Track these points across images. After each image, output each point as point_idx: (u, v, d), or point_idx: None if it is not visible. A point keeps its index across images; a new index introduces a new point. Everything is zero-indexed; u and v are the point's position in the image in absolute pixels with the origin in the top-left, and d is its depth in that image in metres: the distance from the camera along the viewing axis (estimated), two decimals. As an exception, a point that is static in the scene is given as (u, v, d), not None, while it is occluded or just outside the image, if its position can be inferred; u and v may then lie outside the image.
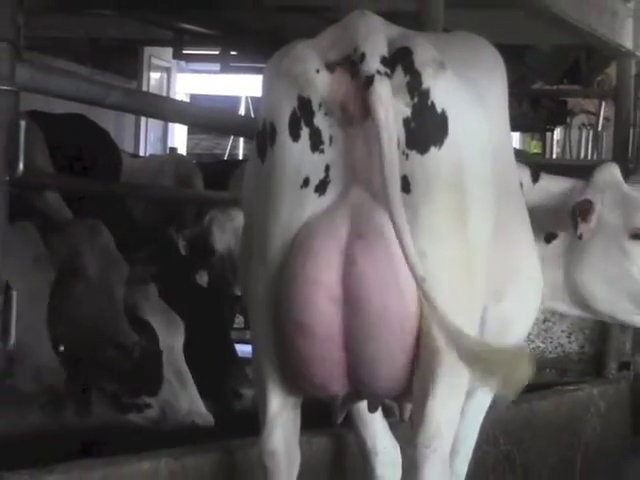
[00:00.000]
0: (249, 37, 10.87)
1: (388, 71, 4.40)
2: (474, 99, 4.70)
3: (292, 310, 4.49)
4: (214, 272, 7.59)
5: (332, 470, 5.67)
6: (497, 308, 4.96)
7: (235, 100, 16.67)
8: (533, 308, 5.42)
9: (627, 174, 9.87)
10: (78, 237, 6.25)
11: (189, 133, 17.06)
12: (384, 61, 4.41)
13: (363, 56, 4.40)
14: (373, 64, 4.39)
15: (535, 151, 15.17)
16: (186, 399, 6.20)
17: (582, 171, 10.30)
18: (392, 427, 5.31)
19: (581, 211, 6.20)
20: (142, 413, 6.12)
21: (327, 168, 4.49)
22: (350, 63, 4.44)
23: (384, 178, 4.32)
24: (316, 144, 4.49)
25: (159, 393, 6.14)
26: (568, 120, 15.95)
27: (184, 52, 13.27)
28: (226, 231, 7.47)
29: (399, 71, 4.46)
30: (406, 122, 4.46)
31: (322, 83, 4.49)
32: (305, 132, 4.49)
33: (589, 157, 15.90)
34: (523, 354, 4.36)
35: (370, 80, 4.36)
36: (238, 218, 7.28)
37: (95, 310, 6.14)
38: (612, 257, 6.30)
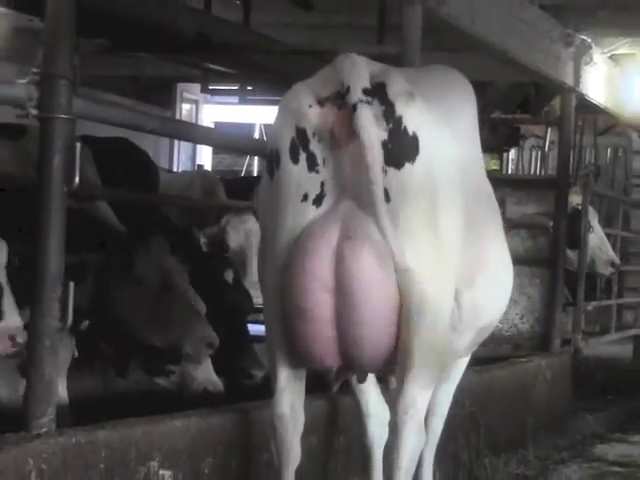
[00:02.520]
0: (262, 75, 10.87)
1: (370, 99, 4.41)
2: (444, 122, 4.69)
3: (294, 297, 4.52)
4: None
5: (328, 427, 5.63)
6: (470, 294, 4.90)
7: (251, 126, 16.64)
8: (504, 297, 5.36)
9: (568, 186, 9.99)
10: (162, 251, 6.26)
11: (214, 153, 16.95)
12: (366, 91, 4.41)
13: (348, 89, 4.41)
14: (356, 94, 4.39)
15: (494, 168, 15.14)
16: (201, 370, 6.20)
17: (532, 184, 10.46)
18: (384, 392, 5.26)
19: None
20: (168, 378, 6.14)
21: (322, 184, 4.51)
22: (337, 97, 4.46)
23: (370, 188, 4.34)
24: (312, 165, 4.52)
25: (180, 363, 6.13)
26: (521, 143, 15.98)
27: (210, 87, 13.25)
28: (239, 232, 7.41)
29: (376, 102, 4.45)
30: (384, 144, 4.44)
31: (314, 116, 4.51)
32: (303, 156, 4.52)
33: (537, 173, 15.93)
34: None
35: (355, 107, 4.37)
36: (249, 221, 7.24)
37: (177, 311, 6.14)
38: None
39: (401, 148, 4.49)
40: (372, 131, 4.38)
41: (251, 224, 7.20)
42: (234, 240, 7.36)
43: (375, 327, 4.48)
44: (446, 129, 4.71)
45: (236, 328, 6.88)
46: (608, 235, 11.42)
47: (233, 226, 7.29)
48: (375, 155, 4.37)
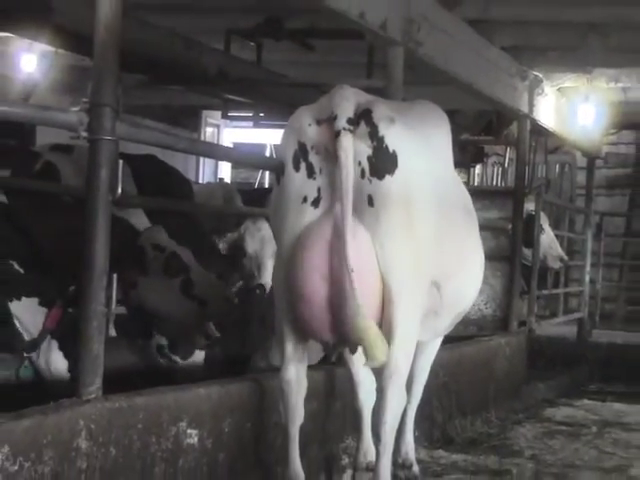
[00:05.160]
0: (272, 104, 10.88)
1: (352, 128, 4.43)
2: (420, 143, 4.71)
3: (296, 285, 4.52)
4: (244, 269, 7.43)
5: (326, 393, 5.62)
6: (450, 286, 4.93)
7: (263, 146, 16.63)
8: (477, 287, 5.38)
9: (524, 196, 9.99)
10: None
11: (232, 168, 16.96)
12: (349, 121, 4.44)
13: (335, 117, 4.45)
14: (341, 123, 4.43)
15: (462, 180, 15.21)
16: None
17: (494, 194, 10.46)
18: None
19: None
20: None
21: (319, 190, 4.53)
22: (330, 121, 4.49)
23: (341, 198, 4.38)
24: (311, 173, 4.55)
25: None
26: (485, 160, 15.98)
27: (229, 114, 13.22)
28: (255, 238, 7.32)
29: (363, 124, 4.49)
30: (369, 158, 4.49)
31: (312, 133, 4.55)
32: (303, 165, 4.55)
33: (499, 184, 15.94)
34: (378, 339, 4.34)
35: (338, 133, 4.41)
36: (264, 229, 7.17)
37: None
38: None
39: (383, 162, 4.51)
40: (349, 154, 4.41)
41: (266, 231, 7.12)
42: (251, 246, 7.27)
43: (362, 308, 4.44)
44: (423, 149, 4.72)
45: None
46: (557, 236, 11.42)
47: (250, 233, 7.21)
48: (350, 174, 4.39)
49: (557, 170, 16.55)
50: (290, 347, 4.71)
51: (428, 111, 5.14)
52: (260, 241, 7.21)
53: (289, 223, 4.58)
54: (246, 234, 7.19)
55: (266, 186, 15.67)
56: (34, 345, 5.06)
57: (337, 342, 4.63)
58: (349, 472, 5.53)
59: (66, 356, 4.91)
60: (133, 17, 7.54)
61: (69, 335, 4.86)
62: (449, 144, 5.18)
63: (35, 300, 5.09)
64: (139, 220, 6.26)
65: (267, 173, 16.53)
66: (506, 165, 15.73)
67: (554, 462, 6.73)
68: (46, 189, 5.93)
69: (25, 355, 5.08)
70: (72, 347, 4.81)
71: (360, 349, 4.46)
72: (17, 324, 4.96)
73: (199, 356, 6.29)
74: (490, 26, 8.55)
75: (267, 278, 6.91)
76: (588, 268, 12.96)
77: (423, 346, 5.35)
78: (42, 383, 5.16)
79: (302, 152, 4.57)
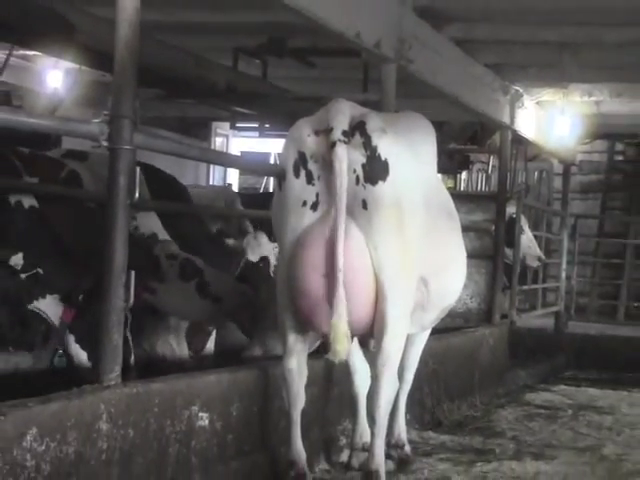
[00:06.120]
0: (277, 115, 10.88)
1: (346, 139, 4.44)
2: (409, 152, 4.71)
3: (297, 281, 4.54)
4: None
5: (325, 380, 5.62)
6: (437, 282, 4.94)
7: (268, 155, 16.63)
8: (460, 283, 5.40)
9: (506, 200, 9.98)
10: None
11: (240, 174, 16.96)
12: (344, 133, 4.45)
13: (331, 129, 4.46)
14: (336, 135, 4.44)
15: (450, 186, 15.15)
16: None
17: (478, 198, 10.45)
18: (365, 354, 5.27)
19: None
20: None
21: (317, 195, 4.54)
22: (327, 132, 4.50)
23: (337, 202, 4.39)
24: (310, 179, 4.55)
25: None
26: (470, 167, 15.94)
27: (236, 125, 13.26)
28: (255, 252, 7.17)
29: (357, 135, 4.51)
30: (363, 166, 4.50)
31: (311, 143, 4.55)
32: (303, 172, 4.55)
33: (483, 189, 15.92)
34: (344, 337, 4.33)
35: (334, 144, 4.42)
36: (264, 244, 7.05)
37: None
38: None
39: (376, 170, 4.52)
40: (343, 164, 4.41)
41: (265, 246, 7.03)
42: (252, 256, 7.13)
43: (358, 303, 4.48)
44: (411, 157, 4.72)
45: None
46: (535, 236, 11.40)
47: (251, 247, 7.10)
48: (343, 181, 4.39)
49: (536, 176, 16.54)
50: (292, 339, 4.71)
51: (415, 121, 5.15)
52: (259, 254, 7.09)
53: (290, 225, 4.58)
54: (247, 248, 7.11)
55: (270, 191, 15.65)
56: (53, 337, 5.04)
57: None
58: (346, 452, 5.52)
59: (83, 348, 4.91)
60: (150, 37, 7.54)
61: (84, 329, 4.85)
62: (435, 152, 5.18)
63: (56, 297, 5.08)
64: (151, 221, 6.22)
65: (272, 179, 16.50)
66: (489, 171, 15.75)
67: (533, 442, 6.73)
68: (72, 195, 5.95)
69: (56, 347, 5.06)
70: (87, 339, 4.87)
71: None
72: (47, 319, 4.95)
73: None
74: (474, 45, 8.55)
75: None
76: (564, 265, 12.95)
77: (413, 337, 5.35)
78: (74, 371, 5.14)
79: (302, 160, 4.57)
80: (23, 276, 4.75)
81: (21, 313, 4.74)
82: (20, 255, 4.76)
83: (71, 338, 4.91)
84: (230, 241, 7.22)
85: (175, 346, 5.98)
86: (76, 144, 6.51)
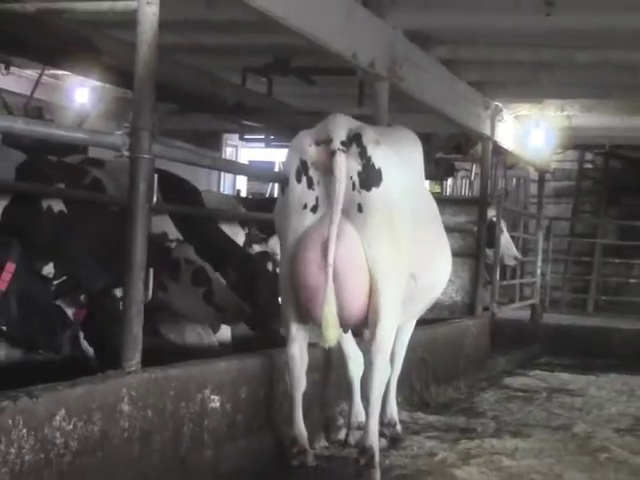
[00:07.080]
0: (281, 128, 10.88)
1: (345, 149, 4.44)
2: (400, 161, 4.71)
3: (298, 275, 4.54)
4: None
5: (324, 366, 5.61)
6: (426, 276, 4.96)
7: (273, 163, 16.62)
8: (445, 278, 5.40)
9: (487, 204, 9.97)
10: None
11: (248, 181, 16.96)
12: (342, 143, 4.46)
13: (331, 140, 4.46)
14: (336, 144, 4.45)
15: (437, 191, 15.17)
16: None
17: (462, 202, 10.45)
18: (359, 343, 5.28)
19: None
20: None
21: (317, 198, 4.54)
22: (327, 142, 4.50)
23: (333, 206, 4.40)
24: (310, 184, 4.55)
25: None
26: (455, 174, 15.95)
27: (245, 137, 13.26)
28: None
29: (354, 146, 4.50)
30: (359, 174, 4.50)
31: (312, 152, 4.55)
32: (304, 178, 4.56)
33: (466, 194, 15.92)
34: (334, 325, 4.36)
35: (333, 153, 4.43)
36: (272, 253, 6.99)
37: None
38: None
39: (370, 177, 4.52)
40: (343, 170, 4.41)
41: (270, 255, 6.97)
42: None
43: (353, 294, 4.49)
44: (401, 166, 4.72)
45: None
46: (513, 237, 11.40)
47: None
48: (342, 186, 4.40)
49: (514, 183, 16.56)
50: (294, 328, 4.71)
51: (405, 134, 5.17)
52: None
53: (292, 226, 4.58)
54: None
55: (275, 196, 15.61)
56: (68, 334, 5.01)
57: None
58: (344, 430, 5.52)
59: (90, 344, 4.92)
60: (167, 57, 7.54)
61: (92, 328, 4.86)
62: (421, 161, 5.19)
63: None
64: (165, 223, 6.20)
65: (276, 185, 16.49)
66: (472, 178, 15.76)
67: (511, 422, 6.73)
68: (96, 199, 5.95)
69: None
70: (94, 336, 4.88)
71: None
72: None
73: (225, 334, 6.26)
74: (459, 65, 8.55)
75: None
76: (539, 263, 12.96)
77: (402, 326, 5.34)
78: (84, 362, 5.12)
79: (303, 167, 4.57)
80: (55, 283, 4.71)
81: (51, 318, 4.70)
82: (51, 265, 4.72)
83: (81, 335, 4.92)
84: (256, 247, 7.17)
85: (203, 334, 5.95)
86: (95, 153, 6.47)
